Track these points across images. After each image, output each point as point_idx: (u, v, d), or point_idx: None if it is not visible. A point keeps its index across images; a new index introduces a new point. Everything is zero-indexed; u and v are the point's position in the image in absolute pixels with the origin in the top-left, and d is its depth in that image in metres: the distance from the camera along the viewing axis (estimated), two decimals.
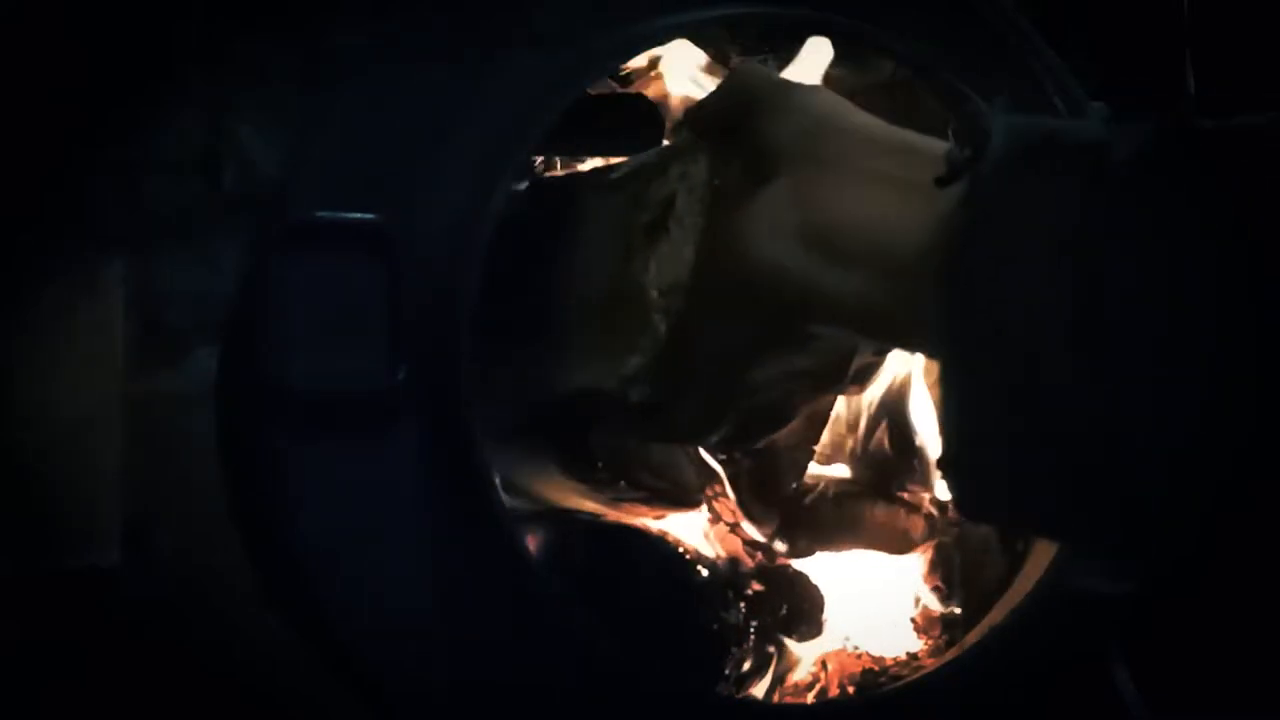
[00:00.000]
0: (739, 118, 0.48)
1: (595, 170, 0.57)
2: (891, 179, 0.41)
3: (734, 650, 0.61)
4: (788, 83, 0.50)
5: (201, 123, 0.52)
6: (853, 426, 0.67)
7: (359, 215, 0.49)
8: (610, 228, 0.52)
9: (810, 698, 0.63)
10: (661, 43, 0.60)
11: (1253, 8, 0.82)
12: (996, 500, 0.38)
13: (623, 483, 0.58)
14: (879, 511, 0.66)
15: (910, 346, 0.48)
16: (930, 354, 0.46)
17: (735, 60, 0.57)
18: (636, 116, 0.64)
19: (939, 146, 0.42)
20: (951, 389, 0.37)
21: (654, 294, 0.49)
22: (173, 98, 0.52)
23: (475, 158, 0.52)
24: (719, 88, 0.52)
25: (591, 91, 0.59)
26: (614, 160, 0.57)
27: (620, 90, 0.66)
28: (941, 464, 0.39)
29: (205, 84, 0.52)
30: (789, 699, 0.63)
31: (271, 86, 0.53)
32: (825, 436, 0.65)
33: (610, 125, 0.62)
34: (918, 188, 0.39)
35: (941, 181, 0.38)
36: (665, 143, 0.59)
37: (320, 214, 0.49)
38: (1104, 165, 0.36)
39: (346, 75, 0.53)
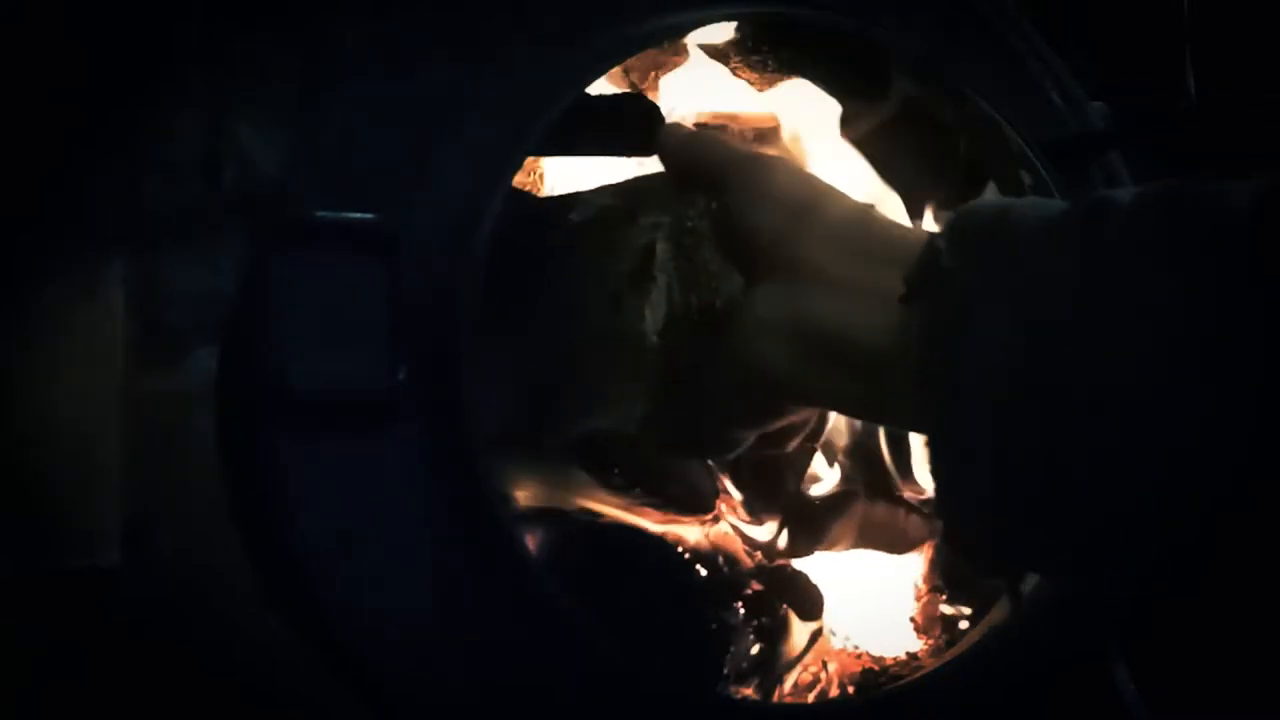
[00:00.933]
0: (705, 183, 0.52)
1: (556, 208, 0.57)
2: (862, 290, 0.44)
3: (734, 650, 0.61)
4: (753, 159, 0.52)
5: (201, 123, 0.52)
6: (853, 426, 0.67)
7: (359, 215, 0.49)
8: (585, 275, 0.54)
9: (810, 698, 0.64)
10: (662, 42, 0.60)
11: (1253, 8, 0.82)
12: (993, 558, 0.41)
13: (638, 489, 0.58)
14: (879, 511, 0.66)
15: (893, 426, 0.55)
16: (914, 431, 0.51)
17: (672, 122, 0.58)
18: (636, 116, 0.64)
19: (905, 242, 0.44)
20: (939, 468, 0.40)
21: (654, 338, 0.51)
22: (173, 98, 0.52)
23: (475, 158, 0.52)
24: (675, 147, 0.55)
25: (591, 92, 0.59)
26: (575, 192, 0.58)
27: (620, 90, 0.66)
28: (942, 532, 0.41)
29: (205, 84, 0.52)
30: (789, 699, 0.63)
31: (271, 86, 0.53)
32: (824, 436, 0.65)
33: (610, 125, 0.62)
34: (885, 296, 0.42)
35: (905, 299, 0.41)
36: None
37: (320, 214, 0.49)
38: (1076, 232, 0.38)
39: (346, 75, 0.53)
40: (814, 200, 0.48)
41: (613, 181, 0.57)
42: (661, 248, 0.51)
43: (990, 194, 0.66)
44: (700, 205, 0.52)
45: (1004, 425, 0.37)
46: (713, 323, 0.51)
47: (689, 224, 0.52)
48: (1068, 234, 0.38)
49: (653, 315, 0.51)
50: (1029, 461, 0.37)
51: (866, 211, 0.48)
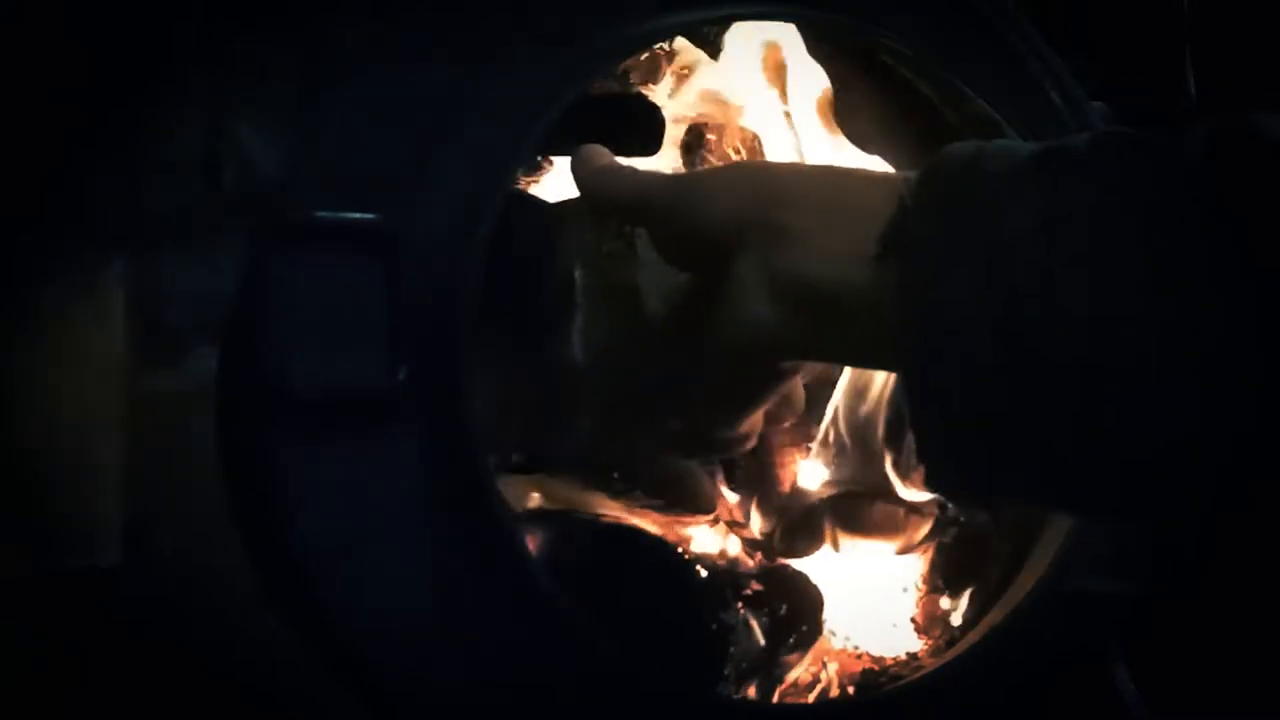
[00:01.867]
0: (622, 216, 0.53)
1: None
2: (839, 247, 0.45)
3: (734, 650, 0.61)
4: (673, 181, 0.53)
5: (201, 123, 0.52)
6: (851, 426, 0.67)
7: (359, 215, 0.49)
8: (526, 302, 0.55)
9: (810, 698, 0.63)
10: (662, 42, 0.60)
11: (1253, 8, 0.82)
12: (971, 486, 0.42)
13: (638, 491, 0.59)
14: (879, 511, 0.66)
15: (874, 365, 0.55)
16: (893, 369, 0.51)
17: (584, 149, 0.56)
18: (636, 116, 0.64)
19: (877, 193, 0.45)
20: (917, 411, 0.41)
21: (585, 365, 0.52)
22: (173, 98, 0.52)
23: (475, 158, 0.52)
24: (587, 183, 0.54)
25: (591, 92, 0.59)
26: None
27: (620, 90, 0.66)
28: (918, 455, 0.43)
29: (205, 84, 0.52)
30: (789, 699, 0.63)
31: (271, 86, 0.53)
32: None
33: (610, 125, 0.62)
34: (862, 252, 0.43)
35: (879, 255, 0.42)
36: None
37: (320, 214, 0.49)
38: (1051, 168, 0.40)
39: (347, 75, 0.53)
40: (769, 179, 0.48)
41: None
42: (580, 274, 0.52)
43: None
44: (614, 228, 0.53)
45: (975, 366, 0.39)
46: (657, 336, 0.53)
47: (605, 248, 0.53)
48: (1030, 179, 0.40)
49: (581, 342, 0.52)
50: (1000, 395, 0.39)
51: (831, 171, 0.49)
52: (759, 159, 0.53)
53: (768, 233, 0.46)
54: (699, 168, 0.52)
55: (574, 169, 0.55)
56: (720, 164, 0.53)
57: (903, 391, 0.43)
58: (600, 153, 0.55)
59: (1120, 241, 0.37)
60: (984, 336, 0.39)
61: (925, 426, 0.42)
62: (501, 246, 0.52)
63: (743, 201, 0.48)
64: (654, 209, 0.51)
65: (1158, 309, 0.37)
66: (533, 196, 0.56)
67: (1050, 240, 0.38)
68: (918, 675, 0.60)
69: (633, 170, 0.54)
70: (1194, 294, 0.36)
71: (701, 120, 0.67)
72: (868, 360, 0.50)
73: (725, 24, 0.62)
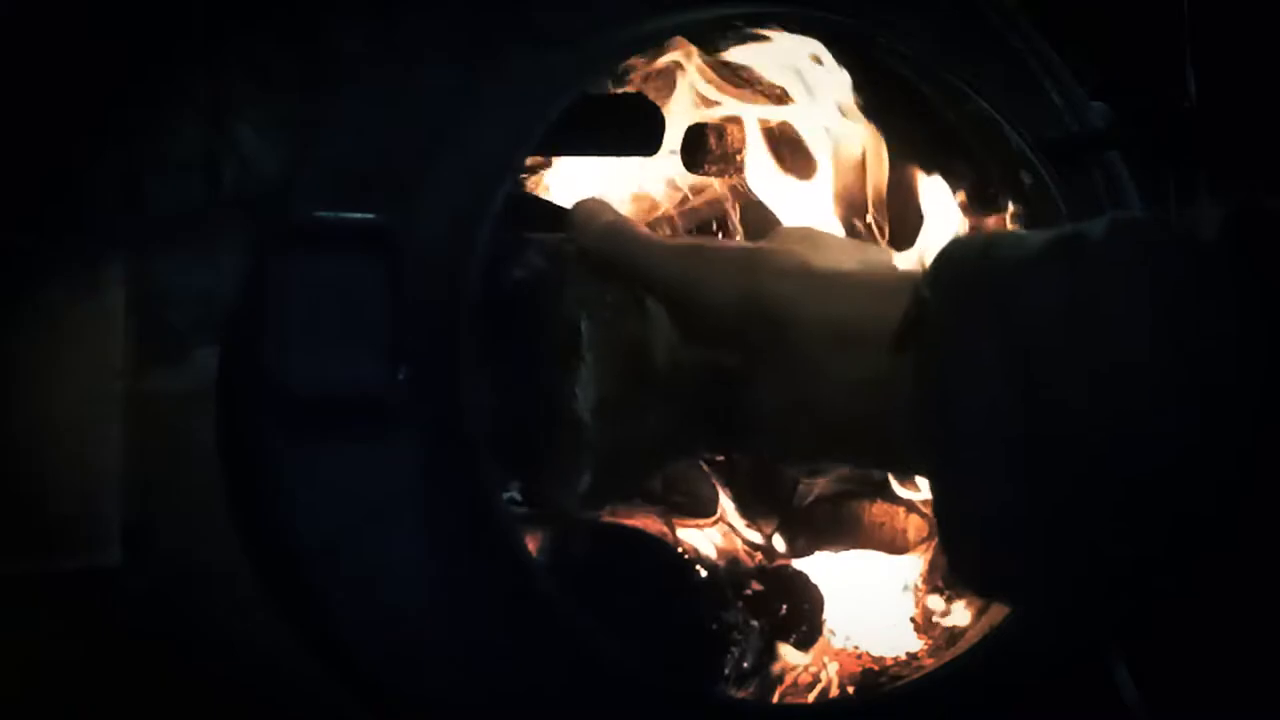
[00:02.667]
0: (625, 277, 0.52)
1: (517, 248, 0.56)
2: (853, 349, 0.45)
3: (734, 650, 0.61)
4: (682, 255, 0.51)
5: (201, 123, 0.52)
6: None
7: (359, 215, 0.49)
8: (526, 343, 0.54)
9: (810, 698, 0.63)
10: (662, 42, 0.60)
11: (1253, 8, 0.82)
12: (993, 584, 0.43)
13: (640, 496, 0.59)
14: (878, 511, 0.66)
15: (887, 469, 0.58)
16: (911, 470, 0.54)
17: (587, 201, 0.56)
18: (636, 116, 0.64)
19: (889, 288, 0.45)
20: (941, 505, 0.41)
21: (586, 417, 0.51)
22: (173, 98, 0.52)
23: (475, 158, 0.52)
24: (592, 240, 0.53)
25: (591, 91, 0.58)
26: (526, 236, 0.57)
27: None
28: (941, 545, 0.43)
29: (205, 84, 0.52)
30: (789, 699, 0.63)
31: (272, 87, 0.53)
32: None
33: (610, 125, 0.62)
34: (876, 354, 0.44)
35: (897, 349, 0.43)
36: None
37: (320, 214, 0.49)
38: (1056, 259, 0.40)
39: (347, 76, 0.53)
40: (777, 285, 0.48)
41: (550, 235, 0.55)
42: (586, 326, 0.51)
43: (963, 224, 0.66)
44: (619, 284, 0.52)
45: (998, 466, 0.39)
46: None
47: (609, 299, 0.52)
48: (1045, 270, 0.40)
49: (584, 395, 0.51)
50: (1022, 495, 0.39)
51: (841, 277, 0.48)
52: (772, 243, 0.52)
53: (779, 349, 0.47)
54: (710, 241, 0.51)
55: (576, 225, 0.54)
56: (729, 242, 0.52)
57: (931, 489, 0.43)
58: (602, 207, 0.54)
59: (1140, 328, 0.37)
60: (1007, 433, 0.39)
61: (948, 524, 0.42)
62: (498, 282, 0.52)
63: (749, 306, 0.48)
64: (660, 279, 0.51)
65: (1181, 398, 0.36)
66: (534, 237, 0.55)
67: (1068, 330, 0.38)
68: (918, 675, 0.60)
69: (642, 235, 0.53)
70: (1219, 380, 0.36)
71: (701, 120, 0.67)
72: (879, 465, 0.50)
73: (725, 24, 0.62)
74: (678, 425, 0.54)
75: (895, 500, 0.67)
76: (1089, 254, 0.39)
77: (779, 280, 0.47)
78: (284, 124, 0.53)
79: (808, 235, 0.51)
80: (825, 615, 0.65)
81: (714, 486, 0.63)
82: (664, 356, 0.53)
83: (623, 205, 0.66)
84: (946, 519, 0.41)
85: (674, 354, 0.53)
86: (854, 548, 0.66)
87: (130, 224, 0.51)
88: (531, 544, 0.57)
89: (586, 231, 0.53)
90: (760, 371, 0.48)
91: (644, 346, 0.52)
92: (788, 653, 0.63)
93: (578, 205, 0.54)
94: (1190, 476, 0.36)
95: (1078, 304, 0.38)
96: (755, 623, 0.62)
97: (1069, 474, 0.38)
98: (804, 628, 0.64)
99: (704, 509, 0.63)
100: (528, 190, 0.63)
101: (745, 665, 0.61)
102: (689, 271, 0.50)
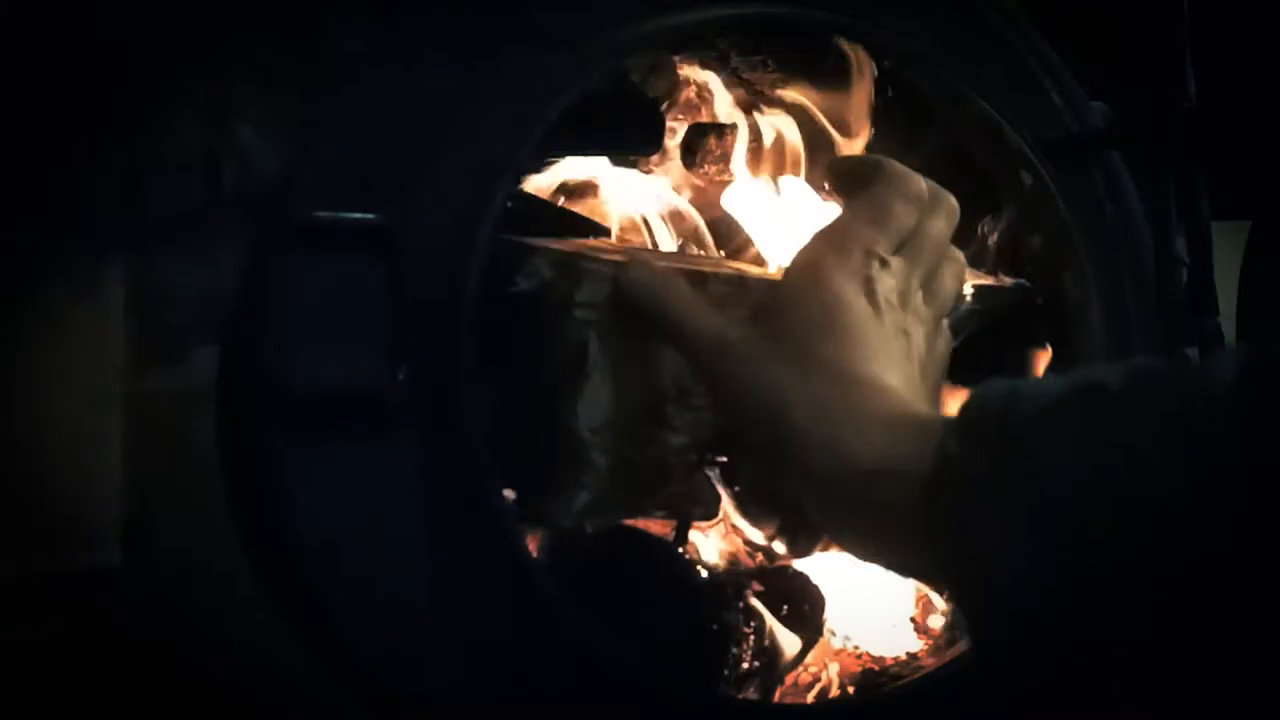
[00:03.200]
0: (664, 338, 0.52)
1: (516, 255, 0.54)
2: (882, 496, 0.46)
3: (734, 650, 0.61)
4: (721, 345, 0.50)
5: (201, 123, 0.52)
6: None
7: (359, 215, 0.49)
8: (529, 352, 0.53)
9: (810, 698, 0.63)
10: (662, 42, 0.60)
11: (1253, 8, 0.82)
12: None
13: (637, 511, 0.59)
14: None
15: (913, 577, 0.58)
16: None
17: (638, 256, 0.54)
18: (636, 116, 0.64)
19: (915, 436, 0.46)
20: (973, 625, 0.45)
21: (587, 435, 0.51)
22: (173, 98, 0.52)
23: (475, 158, 0.52)
24: (639, 295, 0.52)
25: (591, 91, 0.58)
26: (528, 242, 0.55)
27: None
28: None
29: (205, 84, 0.52)
30: (789, 699, 0.63)
31: (272, 87, 0.53)
32: None
33: (610, 125, 0.62)
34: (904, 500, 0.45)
35: (928, 498, 0.44)
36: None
37: (320, 214, 0.49)
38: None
39: (347, 75, 0.53)
40: (810, 429, 0.48)
41: (557, 244, 0.54)
42: (593, 346, 0.51)
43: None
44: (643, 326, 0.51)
45: (1031, 615, 0.42)
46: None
47: (621, 318, 0.52)
48: (1067, 419, 0.42)
49: (586, 413, 0.51)
50: (1053, 633, 0.42)
51: (877, 422, 0.48)
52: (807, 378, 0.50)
53: (802, 467, 0.48)
54: (759, 339, 0.49)
55: (624, 280, 0.52)
56: (774, 342, 0.49)
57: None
58: (649, 263, 0.53)
59: (1164, 473, 0.39)
60: (1039, 575, 0.41)
61: (981, 639, 0.45)
62: (499, 285, 0.52)
63: (775, 428, 0.48)
64: (694, 358, 0.51)
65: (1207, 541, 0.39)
66: (540, 244, 0.54)
67: (1091, 477, 0.40)
68: (918, 675, 0.60)
69: (688, 300, 0.52)
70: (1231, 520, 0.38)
71: (702, 121, 0.67)
72: (889, 568, 0.52)
73: (725, 25, 0.62)
74: (682, 449, 0.54)
75: None
76: (1109, 402, 0.41)
77: (810, 411, 0.48)
78: (284, 124, 0.53)
79: (842, 377, 0.50)
80: (825, 615, 0.65)
81: (714, 489, 0.63)
82: (672, 382, 0.53)
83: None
84: (978, 638, 0.46)
85: (682, 381, 0.53)
86: None
87: (130, 224, 0.51)
88: (531, 544, 0.57)
89: (635, 284, 0.52)
90: (778, 468, 0.50)
91: (651, 370, 0.52)
92: (788, 652, 0.63)
93: (631, 263, 0.53)
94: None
95: (1098, 452, 0.41)
96: (755, 623, 0.62)
97: (1103, 615, 0.41)
98: (804, 628, 0.64)
99: (705, 512, 0.63)
100: (532, 192, 0.63)
101: (745, 665, 0.61)
102: (726, 365, 0.49)
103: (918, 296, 0.53)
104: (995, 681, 0.47)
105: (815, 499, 0.49)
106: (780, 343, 0.49)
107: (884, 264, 0.51)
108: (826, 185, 0.59)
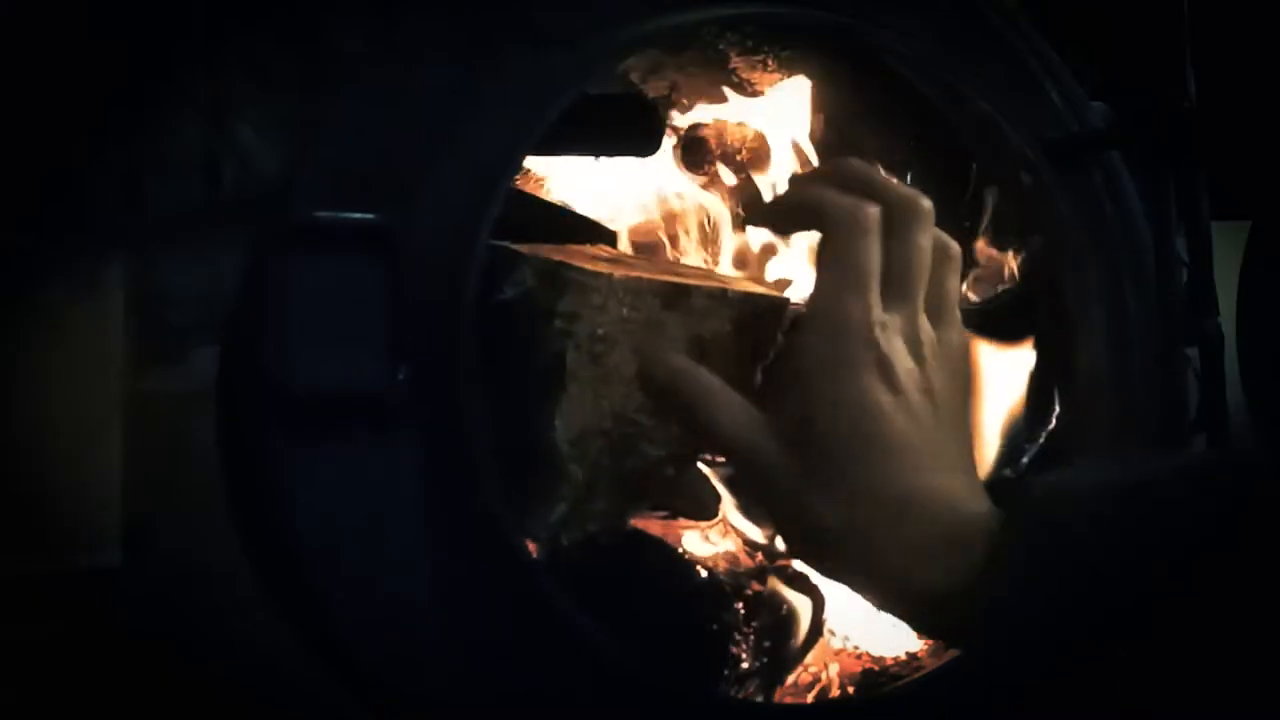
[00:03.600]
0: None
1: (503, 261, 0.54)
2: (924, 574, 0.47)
3: (734, 650, 0.61)
4: (749, 451, 0.49)
5: (202, 123, 0.52)
6: None
7: (359, 215, 0.49)
8: (510, 361, 0.53)
9: (810, 698, 0.63)
10: (662, 42, 0.60)
11: (1253, 8, 0.82)
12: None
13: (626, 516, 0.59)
14: None
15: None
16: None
17: (658, 346, 0.52)
18: (636, 116, 0.64)
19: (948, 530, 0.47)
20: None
21: (565, 447, 0.51)
22: (173, 98, 0.52)
23: (475, 158, 0.52)
24: (662, 384, 0.51)
25: (591, 91, 0.58)
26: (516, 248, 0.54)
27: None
28: None
29: (206, 84, 0.52)
30: (789, 699, 0.63)
31: (272, 87, 0.53)
32: None
33: (610, 125, 0.62)
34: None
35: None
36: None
37: (320, 214, 0.49)
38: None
39: (347, 75, 0.53)
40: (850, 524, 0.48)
41: (547, 250, 0.53)
42: (572, 357, 0.50)
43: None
44: (612, 314, 0.51)
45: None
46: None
47: (600, 330, 0.51)
48: (1113, 518, 0.44)
49: (564, 424, 0.51)
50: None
51: (918, 515, 0.48)
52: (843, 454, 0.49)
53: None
54: (796, 461, 0.48)
55: (646, 367, 0.51)
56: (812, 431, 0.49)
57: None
58: (668, 354, 0.52)
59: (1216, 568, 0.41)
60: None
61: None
62: (492, 289, 0.51)
63: (809, 518, 0.48)
64: (739, 470, 0.52)
65: None
66: (526, 252, 0.54)
67: (1137, 565, 0.42)
68: (918, 675, 0.60)
69: (715, 400, 0.50)
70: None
71: (702, 121, 0.67)
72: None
73: (725, 25, 0.62)
74: (660, 461, 0.53)
75: None
76: (1159, 502, 0.43)
77: (857, 542, 0.48)
78: (284, 124, 0.53)
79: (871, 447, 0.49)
80: (825, 615, 0.65)
81: (714, 489, 0.63)
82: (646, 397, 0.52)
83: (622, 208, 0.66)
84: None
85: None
86: None
87: (130, 224, 0.51)
88: (531, 544, 0.57)
89: (659, 372, 0.51)
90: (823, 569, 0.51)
91: (631, 381, 0.52)
92: (788, 652, 0.63)
93: (653, 352, 0.52)
94: None
95: (1147, 553, 0.43)
96: (755, 623, 0.62)
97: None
98: (804, 628, 0.64)
99: (706, 512, 0.63)
100: (528, 191, 0.63)
101: (745, 665, 0.61)
102: (765, 487, 0.49)
103: (924, 327, 0.50)
104: (992, 682, 0.48)
105: (860, 593, 0.49)
106: (818, 468, 0.47)
107: (885, 327, 0.48)
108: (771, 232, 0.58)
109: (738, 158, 0.69)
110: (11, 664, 0.49)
